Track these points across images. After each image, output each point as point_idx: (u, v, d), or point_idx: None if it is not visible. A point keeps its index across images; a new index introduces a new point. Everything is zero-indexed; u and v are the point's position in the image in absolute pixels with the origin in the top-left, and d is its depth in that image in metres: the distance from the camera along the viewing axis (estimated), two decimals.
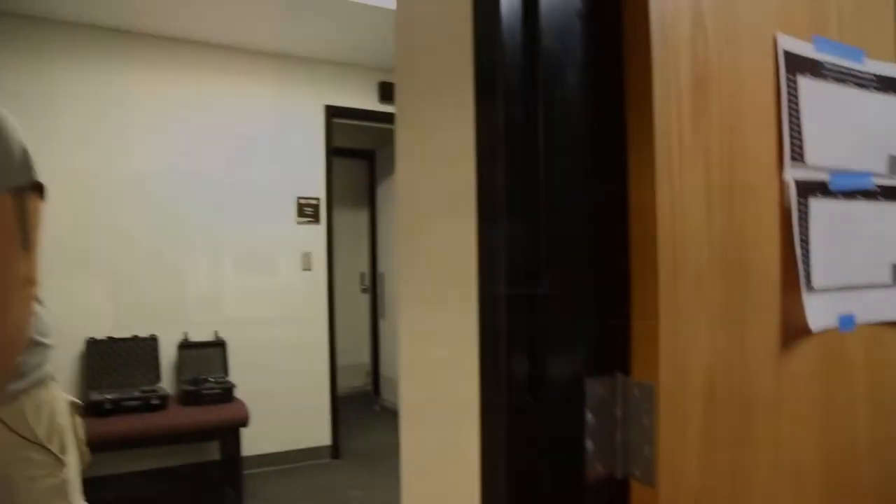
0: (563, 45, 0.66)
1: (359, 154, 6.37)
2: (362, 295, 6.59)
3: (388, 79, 4.80)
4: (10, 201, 1.34)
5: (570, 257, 0.67)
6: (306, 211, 4.52)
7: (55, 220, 3.69)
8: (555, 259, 0.66)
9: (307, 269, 4.53)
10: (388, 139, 6.18)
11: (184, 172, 4.16)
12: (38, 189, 1.40)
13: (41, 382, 1.43)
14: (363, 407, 6.11)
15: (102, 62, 3.97)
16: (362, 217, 6.56)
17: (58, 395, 1.49)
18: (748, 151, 0.73)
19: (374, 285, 6.54)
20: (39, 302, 1.47)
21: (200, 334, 4.15)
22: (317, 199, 4.56)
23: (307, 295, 4.53)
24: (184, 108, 4.18)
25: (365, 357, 6.68)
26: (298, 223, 4.50)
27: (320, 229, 4.57)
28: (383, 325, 6.23)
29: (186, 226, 4.17)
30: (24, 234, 1.35)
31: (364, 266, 6.59)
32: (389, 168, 5.94)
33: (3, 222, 1.33)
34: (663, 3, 0.67)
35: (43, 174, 1.45)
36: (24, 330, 1.38)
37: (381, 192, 6.13)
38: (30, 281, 1.38)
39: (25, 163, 1.38)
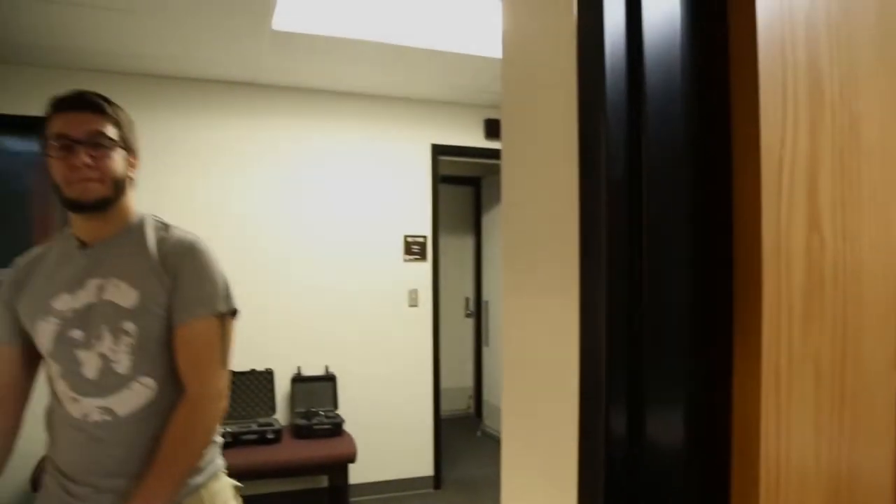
0: (666, 94, 0.68)
1: (465, 181, 6.46)
2: (466, 319, 6.67)
3: (493, 115, 4.84)
4: (216, 324, 1.55)
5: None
6: (413, 249, 4.63)
7: None
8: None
9: (413, 305, 4.63)
10: (494, 168, 6.23)
11: (294, 214, 4.38)
12: (234, 314, 1.61)
13: (215, 475, 1.62)
14: (465, 431, 6.17)
15: (226, 111, 4.24)
16: (467, 243, 6.64)
17: (226, 482, 1.68)
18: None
19: (478, 311, 6.60)
20: None
21: (312, 368, 4.35)
22: (423, 236, 4.66)
23: (413, 330, 4.63)
24: (296, 153, 4.39)
25: (468, 381, 6.76)
26: (405, 261, 4.62)
27: (426, 266, 4.67)
28: (487, 353, 6.28)
29: (297, 266, 4.37)
30: (222, 353, 1.56)
31: (469, 291, 6.67)
32: (495, 196, 5.98)
33: (211, 342, 1.55)
34: (777, 209, 0.66)
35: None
36: (214, 436, 1.58)
37: (487, 219, 6.18)
38: (223, 394, 1.56)
39: (226, 292, 1.61)
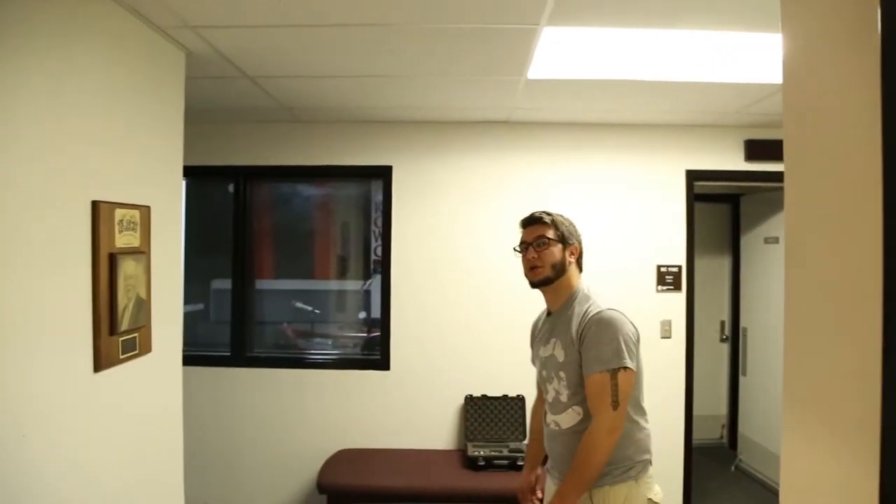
0: None
1: (720, 199, 6.08)
2: (720, 344, 6.28)
3: (755, 136, 4.51)
4: (608, 377, 2.11)
5: None
6: (667, 279, 4.48)
7: (437, 290, 4.24)
8: None
9: (666, 336, 4.49)
10: (751, 188, 5.80)
11: None
12: (625, 369, 2.14)
13: (624, 481, 2.18)
14: (718, 463, 5.82)
15: (479, 150, 4.47)
16: (722, 264, 6.25)
17: (633, 490, 2.18)
18: None
19: (734, 337, 6.19)
20: (641, 430, 2.30)
21: None
22: (678, 266, 4.49)
23: (664, 362, 4.48)
24: (544, 185, 4.48)
25: (720, 408, 6.36)
26: (658, 291, 4.48)
27: (680, 297, 4.50)
28: (744, 383, 5.86)
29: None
30: (612, 398, 2.09)
31: (724, 314, 6.27)
32: (758, 216, 5.57)
33: (603, 391, 2.11)
34: None
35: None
36: (605, 457, 2.10)
37: (747, 240, 5.76)
38: (613, 428, 2.09)
39: (618, 352, 2.14)
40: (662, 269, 4.48)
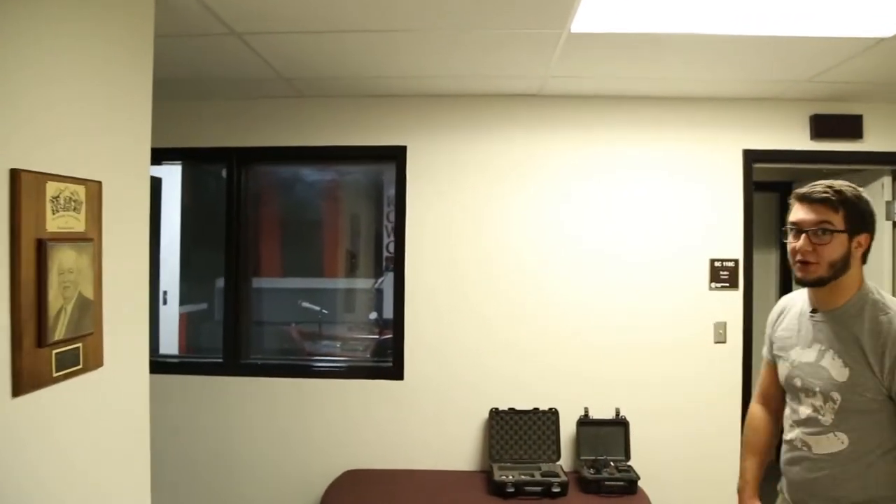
0: None
1: (769, 186, 5.45)
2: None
3: (824, 110, 3.91)
4: None
5: None
6: (721, 275, 3.89)
7: (457, 289, 3.69)
8: None
9: (721, 341, 3.90)
10: (813, 172, 5.18)
11: (579, 238, 3.90)
12: None
13: None
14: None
15: (507, 126, 3.91)
16: (768, 260, 5.64)
17: None
18: None
19: None
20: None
21: (600, 411, 3.83)
22: (733, 260, 3.90)
23: (719, 370, 3.90)
24: (579, 167, 3.91)
25: None
26: (711, 289, 3.90)
27: (737, 295, 3.91)
28: None
29: (584, 296, 3.89)
30: None
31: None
32: None
33: None
34: None
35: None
36: None
37: None
38: None
39: None
40: (717, 264, 3.90)
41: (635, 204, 3.90)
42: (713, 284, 3.90)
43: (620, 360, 3.88)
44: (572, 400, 3.84)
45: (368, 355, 4.24)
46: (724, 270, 3.90)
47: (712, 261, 3.90)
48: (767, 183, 5.43)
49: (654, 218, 3.90)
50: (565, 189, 3.89)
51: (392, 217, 4.00)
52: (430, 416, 3.88)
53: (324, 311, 4.52)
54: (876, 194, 4.21)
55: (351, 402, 3.91)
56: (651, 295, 3.88)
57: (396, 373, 3.88)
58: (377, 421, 3.90)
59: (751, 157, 3.92)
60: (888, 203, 4.15)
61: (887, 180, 4.16)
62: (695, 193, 3.91)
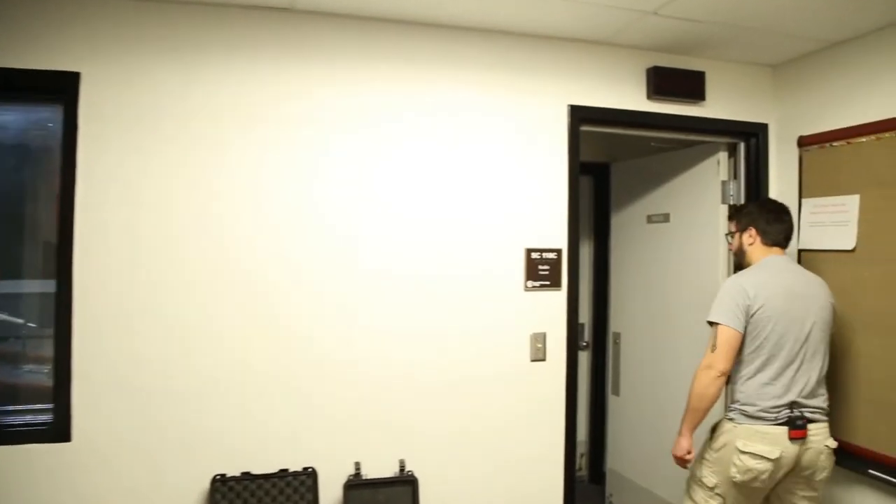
0: None
1: (584, 168, 4.66)
2: (579, 352, 4.91)
3: (664, 62, 3.09)
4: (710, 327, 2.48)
5: None
6: (540, 270, 2.92)
7: (160, 292, 2.34)
8: None
9: (539, 359, 2.94)
10: (625, 150, 4.46)
11: (333, 220, 2.72)
12: (711, 324, 2.47)
13: (724, 420, 2.49)
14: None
15: (249, 52, 2.60)
16: (582, 251, 4.86)
17: (731, 430, 2.41)
18: None
19: (596, 344, 4.86)
20: (732, 381, 2.49)
21: (378, 466, 2.69)
22: (556, 250, 2.95)
23: (537, 398, 2.94)
24: (358, 117, 2.73)
25: (579, 433, 5.01)
26: (527, 289, 2.92)
27: (559, 298, 2.97)
28: (615, 404, 4.53)
29: (349, 304, 2.72)
30: (713, 343, 2.42)
31: (584, 315, 4.92)
32: (630, 189, 4.23)
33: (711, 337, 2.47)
34: None
35: None
36: (703, 392, 2.41)
37: (618, 221, 4.41)
38: (709, 367, 2.40)
39: (714, 308, 2.47)
40: (533, 256, 2.92)
41: (422, 172, 2.80)
42: (530, 283, 2.92)
43: (405, 397, 2.77)
44: (338, 453, 2.66)
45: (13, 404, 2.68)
46: (543, 264, 2.93)
47: (529, 251, 2.91)
48: (581, 164, 4.64)
49: (448, 193, 2.83)
50: (325, 145, 2.69)
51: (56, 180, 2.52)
52: (117, 494, 2.47)
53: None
54: (710, 174, 3.51)
55: None
56: (445, 300, 2.82)
57: (59, 431, 2.43)
58: None
59: (578, 115, 2.99)
60: (724, 183, 3.46)
61: (723, 156, 3.47)
62: (506, 159, 2.90)
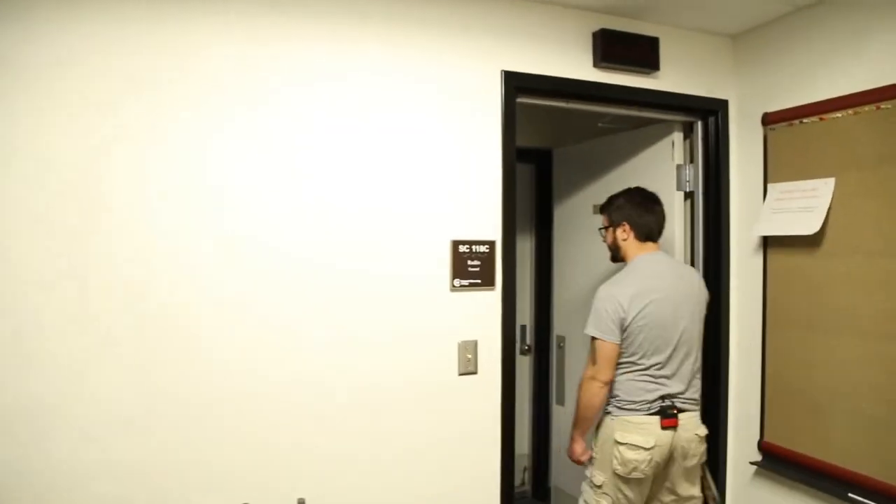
0: None
1: (524, 155, 4.23)
2: (520, 357, 4.48)
3: (613, 25, 2.67)
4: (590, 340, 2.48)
5: None
6: (470, 267, 2.46)
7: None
8: None
9: (468, 372, 2.48)
10: (569, 133, 4.05)
11: (223, 213, 2.20)
12: (592, 339, 2.47)
13: (604, 419, 2.48)
14: None
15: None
16: (523, 246, 4.43)
17: (610, 424, 2.44)
18: None
19: (539, 348, 4.44)
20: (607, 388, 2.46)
21: None
22: (488, 243, 2.50)
23: (466, 420, 2.48)
24: (240, 89, 2.21)
25: (521, 447, 4.59)
26: (454, 289, 2.45)
27: (492, 298, 2.51)
28: (559, 413, 4.11)
29: (239, 315, 2.19)
30: (593, 357, 2.43)
31: (525, 317, 4.49)
32: (575, 177, 3.83)
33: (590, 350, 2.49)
34: None
35: None
36: (587, 401, 2.45)
37: (561, 212, 3.99)
38: (593, 378, 2.42)
39: (591, 321, 2.47)
40: (462, 249, 2.46)
41: (336, 153, 2.30)
42: (458, 282, 2.45)
43: (306, 422, 2.26)
44: (225, 491, 2.14)
45: None
46: (473, 259, 2.47)
47: (456, 244, 2.45)
48: (521, 150, 4.20)
49: (357, 175, 2.33)
50: (216, 121, 2.17)
51: None
52: None
53: None
54: (664, 157, 3.13)
55: None
56: (358, 304, 2.32)
57: None
58: None
59: (514, 83, 2.54)
60: (679, 168, 3.08)
61: (678, 137, 3.10)
62: (428, 134, 2.43)
